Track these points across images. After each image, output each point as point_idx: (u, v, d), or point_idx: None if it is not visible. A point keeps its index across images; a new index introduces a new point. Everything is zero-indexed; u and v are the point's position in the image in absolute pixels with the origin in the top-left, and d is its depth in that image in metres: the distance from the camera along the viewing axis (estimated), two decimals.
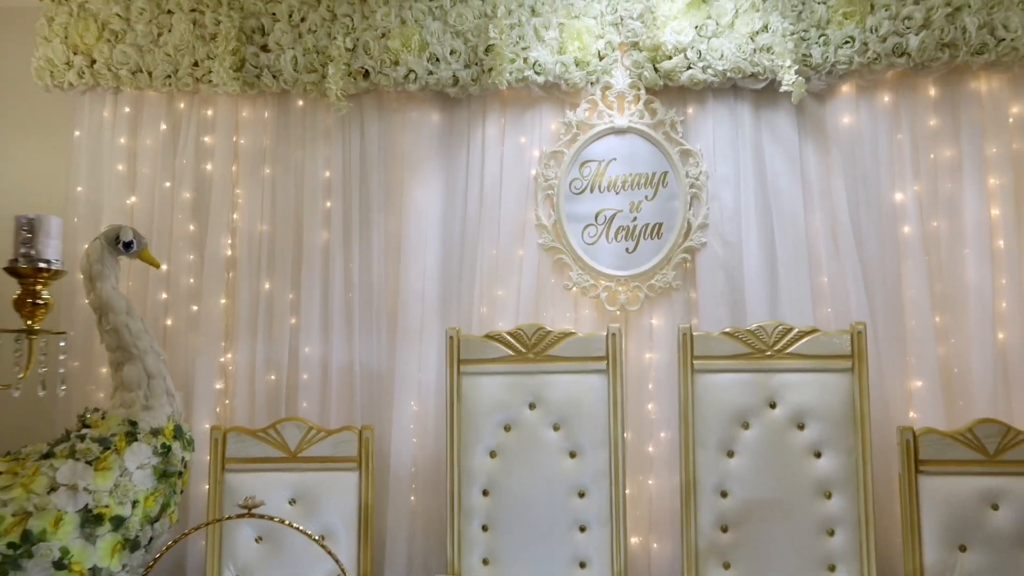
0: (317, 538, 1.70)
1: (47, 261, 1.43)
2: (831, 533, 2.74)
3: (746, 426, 2.83)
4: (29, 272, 1.42)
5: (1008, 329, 2.96)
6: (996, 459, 2.65)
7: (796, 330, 2.85)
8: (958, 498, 2.65)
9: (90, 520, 2.54)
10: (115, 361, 2.86)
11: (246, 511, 1.63)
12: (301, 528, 1.69)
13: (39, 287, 1.42)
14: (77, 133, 3.36)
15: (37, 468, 2.56)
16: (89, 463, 2.59)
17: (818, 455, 2.78)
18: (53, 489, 2.52)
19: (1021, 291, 2.97)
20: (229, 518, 1.71)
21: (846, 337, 2.82)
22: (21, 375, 1.47)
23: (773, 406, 2.83)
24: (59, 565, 2.47)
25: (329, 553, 1.66)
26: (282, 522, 1.73)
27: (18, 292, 1.46)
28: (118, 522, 2.59)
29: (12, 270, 1.42)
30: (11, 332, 1.44)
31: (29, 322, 1.43)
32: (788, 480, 2.77)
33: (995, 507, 2.63)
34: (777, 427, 2.81)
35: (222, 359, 3.25)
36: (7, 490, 2.49)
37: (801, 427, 2.80)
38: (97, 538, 2.55)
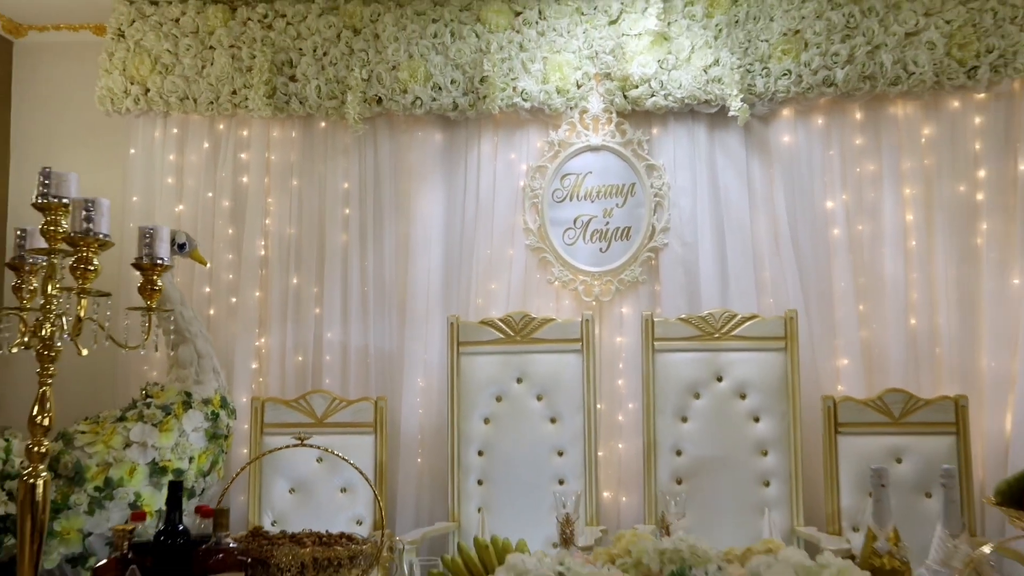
0: (356, 465, 2.24)
1: (161, 259, 1.97)
2: (767, 484, 3.29)
3: (697, 396, 3.38)
4: (149, 267, 1.96)
5: (918, 316, 3.50)
6: (900, 421, 3.21)
7: (739, 316, 3.40)
8: (869, 454, 3.19)
9: (157, 471, 3.12)
10: (170, 343, 3.44)
11: (299, 442, 2.18)
12: (344, 456, 2.22)
13: (155, 277, 1.96)
14: (132, 151, 3.91)
15: (114, 429, 3.13)
16: (155, 425, 3.17)
17: (757, 420, 3.33)
18: (127, 445, 3.10)
19: (929, 284, 3.50)
20: (287, 447, 2.25)
21: (781, 322, 3.37)
22: (145, 338, 2.02)
23: (720, 379, 3.38)
24: (133, 506, 3.04)
25: (360, 473, 2.20)
26: (328, 451, 2.26)
27: (140, 281, 2.01)
28: (178, 474, 3.17)
29: (137, 265, 1.97)
30: (137, 309, 1.99)
31: (148, 302, 1.97)
32: (731, 441, 3.32)
33: (899, 460, 3.19)
34: (723, 397, 3.36)
35: (257, 343, 3.80)
36: (91, 445, 3.06)
37: (743, 397, 3.35)
38: (162, 486, 3.12)
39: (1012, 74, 3.41)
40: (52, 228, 1.78)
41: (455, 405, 3.45)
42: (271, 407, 3.44)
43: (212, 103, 3.80)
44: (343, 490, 3.40)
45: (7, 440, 2.93)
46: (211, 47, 3.82)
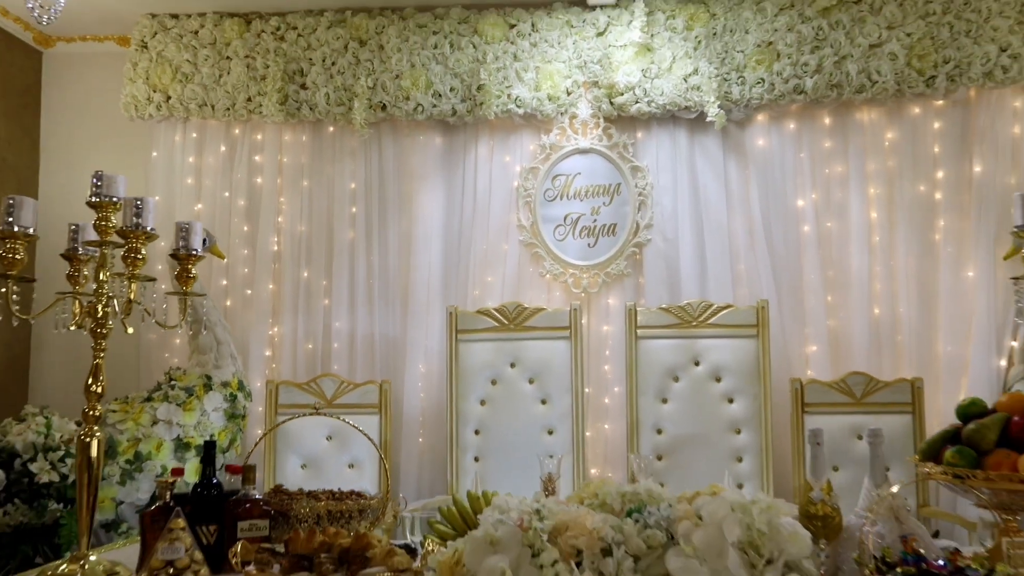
0: (364, 431, 2.53)
1: (195, 249, 2.26)
2: (739, 459, 3.57)
3: (676, 379, 3.66)
4: (185, 256, 2.25)
5: (881, 306, 3.79)
6: (861, 401, 3.50)
7: (715, 305, 3.69)
8: (833, 431, 3.47)
9: (181, 446, 3.42)
10: (192, 331, 3.75)
11: (315, 411, 2.46)
12: (356, 425, 2.50)
13: (190, 266, 2.26)
14: (155, 154, 4.21)
15: (142, 408, 3.43)
16: (179, 405, 3.47)
17: (731, 401, 3.62)
18: (155, 423, 3.40)
19: (891, 277, 3.80)
20: (303, 415, 2.54)
21: (753, 311, 3.65)
22: (181, 319, 2.31)
23: (697, 364, 3.66)
24: (160, 478, 3.32)
25: (365, 436, 2.48)
26: (342, 419, 2.53)
27: (177, 270, 2.30)
28: (200, 450, 3.46)
29: (175, 255, 2.26)
30: (175, 294, 2.28)
31: (184, 288, 2.26)
32: (707, 420, 3.60)
33: (860, 437, 3.46)
34: (700, 380, 3.65)
35: (270, 332, 4.10)
36: (122, 423, 3.36)
37: (718, 380, 3.64)
38: (186, 460, 3.42)
39: (967, 83, 3.70)
40: (104, 223, 2.07)
41: (454, 388, 3.73)
42: (284, 389, 3.73)
43: (229, 109, 4.10)
44: (351, 466, 3.69)
45: (47, 417, 3.23)
46: (228, 57, 4.11)
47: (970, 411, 2.16)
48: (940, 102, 3.80)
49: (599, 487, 1.86)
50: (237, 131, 4.20)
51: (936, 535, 2.43)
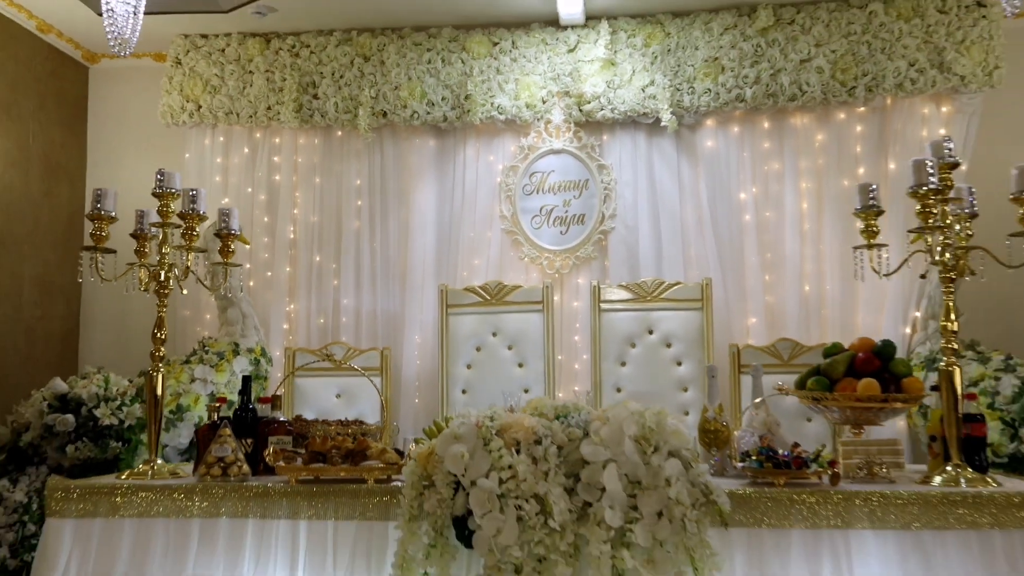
0: (370, 377, 3.17)
1: (235, 229, 2.90)
2: (686, 413, 4.17)
3: (633, 346, 4.29)
4: (226, 235, 2.90)
5: (810, 283, 4.42)
6: (788, 363, 4.10)
7: (666, 283, 4.31)
8: (764, 388, 4.09)
9: (214, 401, 4.05)
10: (221, 306, 4.41)
11: (326, 356, 3.10)
12: (366, 374, 3.15)
13: (230, 243, 2.90)
14: (187, 156, 4.86)
15: (182, 368, 4.09)
16: (212, 367, 4.11)
17: (679, 364, 4.23)
18: (192, 380, 4.04)
19: (819, 259, 4.42)
20: (314, 362, 3.18)
21: (698, 287, 4.27)
22: (222, 283, 2.96)
23: (651, 332, 4.28)
24: (198, 426, 3.97)
25: (369, 380, 3.13)
26: (353, 367, 3.18)
27: (219, 247, 2.95)
28: (231, 405, 4.11)
29: (218, 234, 2.90)
30: (219, 264, 2.93)
31: (225, 259, 2.91)
32: (659, 380, 4.21)
33: (787, 393, 4.08)
34: (653, 346, 4.27)
35: (287, 308, 4.74)
36: (165, 380, 4.00)
37: (669, 346, 4.26)
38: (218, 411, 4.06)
39: (883, 92, 4.31)
40: (165, 208, 2.72)
41: (444, 354, 4.36)
42: (300, 355, 4.36)
43: (251, 116, 4.74)
44: (357, 421, 4.32)
45: (105, 375, 3.88)
46: (250, 71, 4.76)
47: (831, 351, 2.80)
48: (861, 109, 4.42)
49: (538, 403, 2.50)
50: (258, 135, 4.84)
51: None
